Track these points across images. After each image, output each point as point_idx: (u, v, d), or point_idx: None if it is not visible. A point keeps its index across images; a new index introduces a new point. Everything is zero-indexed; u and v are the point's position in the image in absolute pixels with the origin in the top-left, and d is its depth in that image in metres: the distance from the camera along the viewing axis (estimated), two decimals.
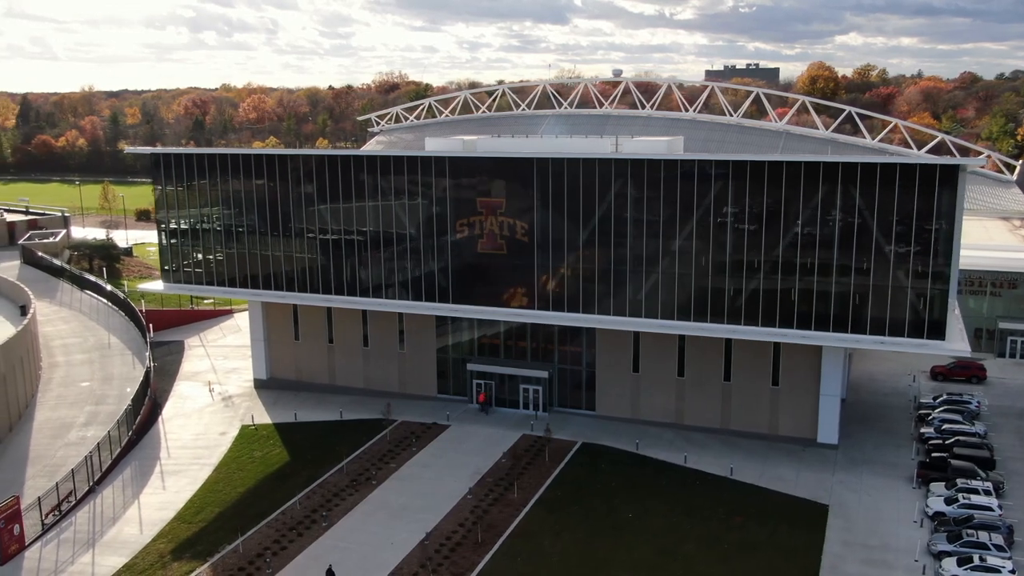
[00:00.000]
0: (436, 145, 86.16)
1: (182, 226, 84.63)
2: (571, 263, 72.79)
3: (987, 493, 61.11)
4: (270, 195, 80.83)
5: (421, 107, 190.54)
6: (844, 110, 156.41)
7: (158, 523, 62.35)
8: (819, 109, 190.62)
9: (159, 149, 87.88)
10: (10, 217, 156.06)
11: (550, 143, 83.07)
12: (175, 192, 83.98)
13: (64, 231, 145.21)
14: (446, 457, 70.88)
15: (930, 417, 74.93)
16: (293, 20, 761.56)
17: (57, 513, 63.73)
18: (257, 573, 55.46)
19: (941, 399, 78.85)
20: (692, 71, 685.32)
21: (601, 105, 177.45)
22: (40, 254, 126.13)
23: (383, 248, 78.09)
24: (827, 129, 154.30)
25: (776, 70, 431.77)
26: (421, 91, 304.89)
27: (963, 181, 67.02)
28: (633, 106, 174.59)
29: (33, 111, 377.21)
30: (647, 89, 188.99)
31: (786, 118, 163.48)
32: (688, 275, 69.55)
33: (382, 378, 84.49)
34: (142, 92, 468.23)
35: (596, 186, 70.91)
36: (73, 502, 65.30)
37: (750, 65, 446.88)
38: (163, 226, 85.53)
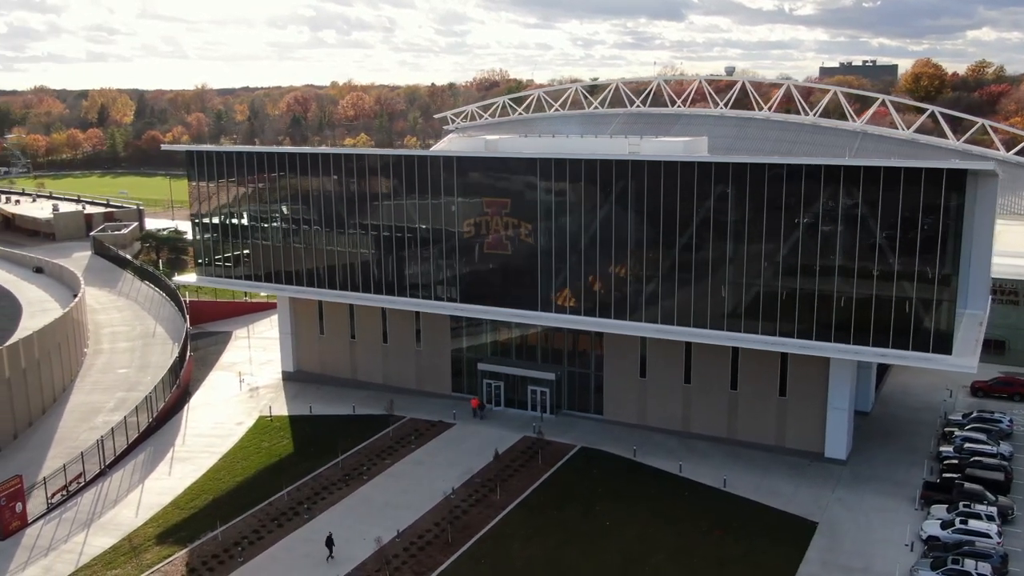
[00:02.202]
0: (460, 145, 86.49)
1: (213, 221, 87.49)
2: (574, 265, 71.89)
3: (989, 519, 57.43)
4: (292, 192, 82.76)
5: (495, 105, 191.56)
6: (927, 109, 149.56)
7: (154, 507, 64.70)
8: (908, 109, 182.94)
9: (192, 147, 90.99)
10: (90, 209, 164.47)
11: (570, 143, 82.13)
12: (207, 188, 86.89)
13: (136, 223, 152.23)
14: (442, 456, 71.14)
15: (954, 435, 70.95)
16: (409, 18, 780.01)
17: (64, 493, 66.85)
18: (229, 561, 56.96)
19: (972, 416, 74.54)
20: (811, 68, 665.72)
21: (673, 103, 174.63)
22: (109, 245, 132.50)
23: (395, 246, 78.87)
24: (908, 129, 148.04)
25: (894, 67, 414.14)
26: (513, 88, 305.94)
27: (989, 185, 63.63)
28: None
29: (148, 108, 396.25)
30: (726, 87, 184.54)
31: (864, 118, 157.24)
32: (688, 280, 67.82)
33: (400, 375, 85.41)
34: (255, 89, 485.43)
35: (597, 188, 69.95)
36: (82, 483, 68.38)
37: (867, 62, 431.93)
38: (196, 221, 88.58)
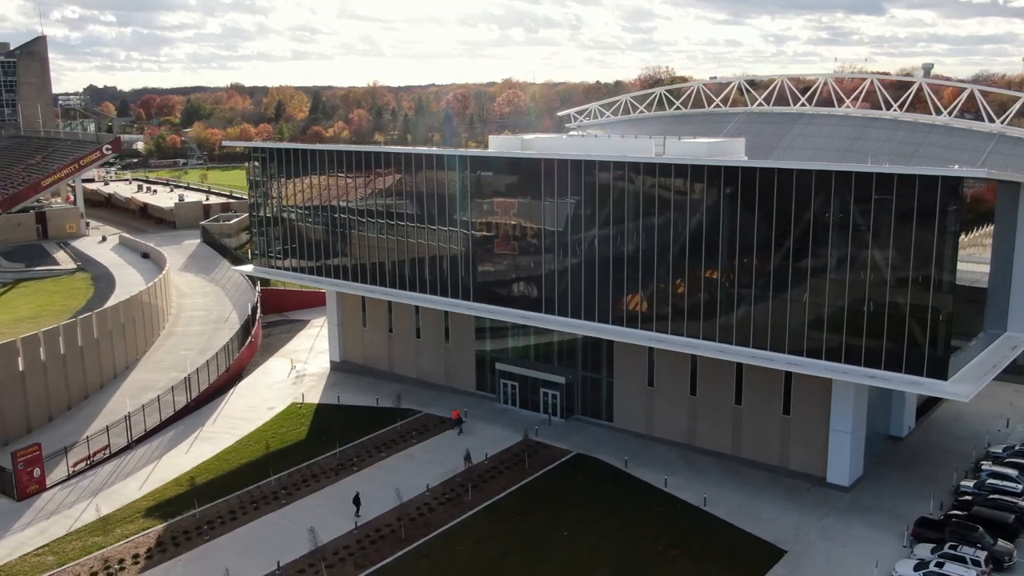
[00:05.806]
0: (497, 144, 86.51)
1: (267, 215, 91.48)
2: (574, 267, 70.48)
3: (975, 564, 52.00)
4: (336, 189, 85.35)
5: (617, 103, 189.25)
6: None
7: (157, 483, 68.66)
8: None
9: (250, 143, 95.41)
10: (212, 200, 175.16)
11: (603, 144, 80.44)
12: (263, 183, 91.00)
13: (246, 214, 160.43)
14: (435, 452, 71.60)
15: (981, 469, 64.56)
16: (596, 15, 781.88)
17: (88, 463, 72.06)
18: (197, 538, 59.80)
19: (1014, 449, 67.56)
20: None
21: (796, 101, 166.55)
22: (213, 234, 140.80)
23: (415, 242, 79.91)
24: None
25: None
26: (668, 83, 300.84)
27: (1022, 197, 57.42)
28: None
29: (322, 104, 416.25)
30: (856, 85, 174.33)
31: (1004, 118, 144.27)
32: (682, 286, 65.05)
33: (431, 370, 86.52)
34: (442, 86, 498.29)
35: (596, 190, 68.29)
36: (106, 455, 73.47)
37: None
38: (253, 214, 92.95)
